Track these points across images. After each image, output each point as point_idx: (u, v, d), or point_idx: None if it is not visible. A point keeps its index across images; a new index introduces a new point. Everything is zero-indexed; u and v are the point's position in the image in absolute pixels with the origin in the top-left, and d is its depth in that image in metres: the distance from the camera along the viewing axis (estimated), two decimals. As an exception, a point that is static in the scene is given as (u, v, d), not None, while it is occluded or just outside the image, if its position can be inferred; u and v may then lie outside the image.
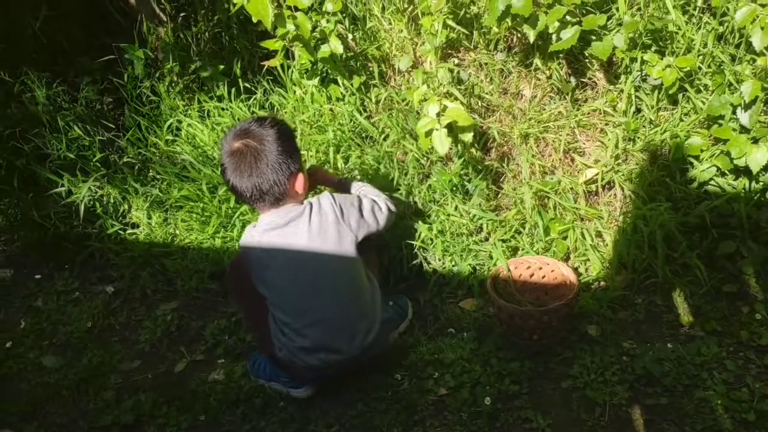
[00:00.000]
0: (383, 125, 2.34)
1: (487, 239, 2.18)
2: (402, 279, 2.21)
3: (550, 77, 2.22)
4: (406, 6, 2.38)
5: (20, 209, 2.72)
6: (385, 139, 2.33)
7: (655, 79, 2.06)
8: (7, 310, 2.54)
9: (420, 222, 2.17)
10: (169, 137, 2.70)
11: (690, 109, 2.10)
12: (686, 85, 2.07)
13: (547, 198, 2.14)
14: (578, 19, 2.01)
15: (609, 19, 2.10)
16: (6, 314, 2.52)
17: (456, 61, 2.31)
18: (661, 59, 2.03)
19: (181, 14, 2.93)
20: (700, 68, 2.08)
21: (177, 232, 2.50)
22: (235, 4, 2.18)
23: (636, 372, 1.77)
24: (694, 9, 2.12)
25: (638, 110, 2.16)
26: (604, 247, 2.08)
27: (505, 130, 2.23)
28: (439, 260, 2.17)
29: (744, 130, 1.92)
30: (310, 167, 2.08)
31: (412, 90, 2.10)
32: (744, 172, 1.96)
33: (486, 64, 2.29)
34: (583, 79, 2.23)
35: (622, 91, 2.15)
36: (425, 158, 2.28)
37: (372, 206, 1.84)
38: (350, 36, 2.47)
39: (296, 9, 2.21)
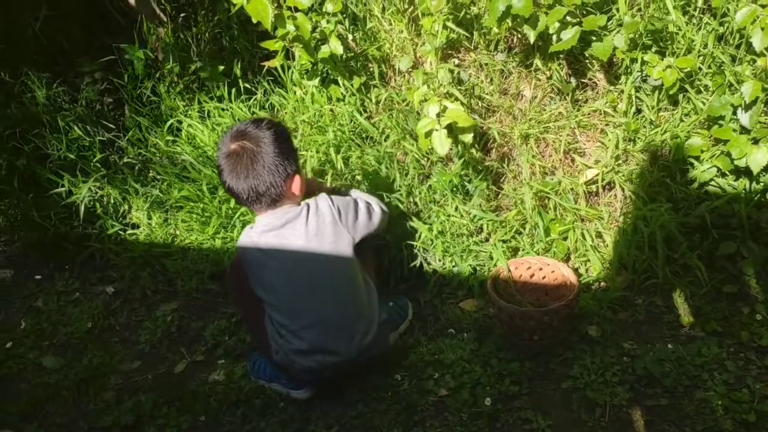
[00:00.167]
0: (383, 126, 2.34)
1: (487, 240, 2.18)
2: (402, 280, 2.21)
3: (550, 78, 2.22)
4: (406, 6, 2.38)
5: (20, 210, 2.72)
6: (385, 140, 2.33)
7: (656, 80, 2.05)
8: (8, 310, 2.54)
9: (420, 222, 2.17)
10: (170, 138, 2.70)
11: (690, 110, 2.10)
12: (686, 86, 2.07)
13: (548, 198, 2.14)
14: (578, 19, 2.01)
15: (609, 19, 2.10)
16: (6, 315, 2.52)
17: (456, 61, 2.31)
18: (662, 60, 2.03)
19: (182, 15, 2.93)
20: (700, 69, 2.08)
21: (177, 232, 2.50)
22: (234, 5, 2.18)
23: (636, 373, 1.77)
24: (695, 10, 2.12)
25: (638, 111, 2.16)
26: (604, 248, 2.08)
27: (505, 131, 2.23)
28: (440, 261, 2.17)
29: (744, 130, 1.92)
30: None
31: (413, 90, 2.10)
32: (744, 172, 1.96)
33: (486, 64, 2.28)
34: (583, 80, 2.23)
35: (622, 91, 2.15)
36: (425, 159, 2.28)
37: (367, 208, 1.84)
38: (350, 36, 2.47)
39: (296, 9, 2.21)
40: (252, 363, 1.97)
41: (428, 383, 1.85)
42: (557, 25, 2.01)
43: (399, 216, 2.19)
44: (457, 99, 2.10)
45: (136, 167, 2.71)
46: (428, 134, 1.96)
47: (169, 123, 2.72)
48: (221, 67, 2.81)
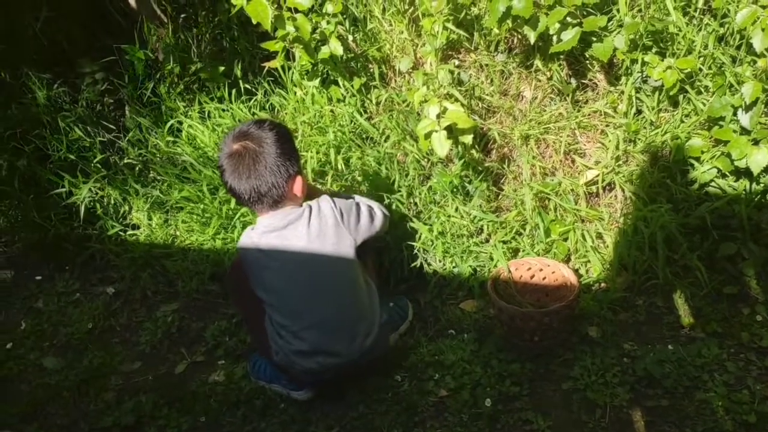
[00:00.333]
0: (384, 126, 2.34)
1: (487, 241, 2.18)
2: (402, 280, 2.21)
3: (550, 78, 2.22)
4: (406, 7, 2.38)
5: (21, 210, 2.72)
6: (385, 141, 2.33)
7: (656, 81, 2.05)
8: (8, 311, 2.54)
9: (420, 223, 2.17)
10: (170, 138, 2.70)
11: (691, 111, 2.10)
12: (687, 87, 2.07)
13: (548, 199, 2.14)
14: (579, 20, 2.01)
15: (610, 20, 2.10)
16: (6, 315, 2.52)
17: (456, 62, 2.31)
18: (662, 61, 2.03)
19: (182, 15, 2.93)
20: (700, 70, 2.08)
21: (177, 233, 2.50)
22: (235, 6, 2.18)
23: (637, 373, 1.77)
24: (695, 10, 2.11)
25: (639, 112, 2.16)
26: (604, 249, 2.08)
27: (505, 132, 2.23)
28: (440, 261, 2.17)
29: (745, 131, 1.92)
30: None
31: (413, 91, 2.10)
32: (745, 173, 1.96)
33: (486, 65, 2.28)
34: (583, 81, 2.23)
35: (622, 92, 2.15)
36: (426, 160, 2.28)
37: (369, 211, 1.85)
38: (351, 37, 2.47)
39: (296, 11, 2.21)
40: (252, 364, 1.97)
41: (428, 384, 1.85)
42: (557, 25, 2.01)
43: (399, 217, 2.19)
44: (457, 100, 2.10)
45: (137, 168, 2.71)
46: (428, 135, 1.96)
47: (169, 124, 2.72)
48: (222, 68, 2.81)
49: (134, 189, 2.61)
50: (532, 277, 2.02)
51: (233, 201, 2.38)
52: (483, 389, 1.79)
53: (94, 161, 2.68)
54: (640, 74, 2.10)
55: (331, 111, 2.42)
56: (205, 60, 2.86)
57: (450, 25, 2.15)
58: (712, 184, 2.02)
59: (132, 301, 2.45)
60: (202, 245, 2.42)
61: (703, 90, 2.09)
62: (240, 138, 1.70)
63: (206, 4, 2.95)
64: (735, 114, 1.93)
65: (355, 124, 2.39)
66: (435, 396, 1.81)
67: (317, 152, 2.32)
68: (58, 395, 2.05)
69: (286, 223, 1.73)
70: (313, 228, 1.73)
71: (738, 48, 2.04)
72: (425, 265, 2.18)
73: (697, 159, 2.04)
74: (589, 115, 2.20)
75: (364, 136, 2.39)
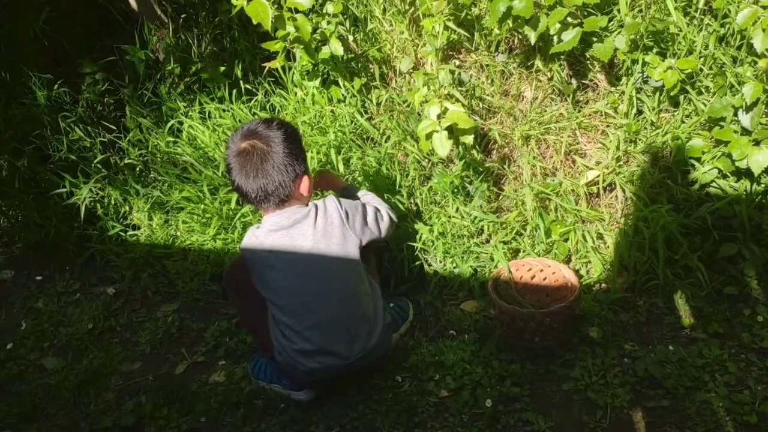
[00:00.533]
0: (384, 127, 2.34)
1: (488, 241, 2.18)
2: (403, 281, 2.21)
3: (551, 79, 2.22)
4: (407, 8, 2.38)
5: (21, 211, 2.72)
6: (386, 141, 2.33)
7: (657, 81, 2.05)
8: (8, 311, 2.54)
9: (421, 224, 2.17)
10: (170, 139, 2.70)
11: (691, 111, 2.10)
12: (687, 87, 2.07)
13: (549, 200, 2.14)
14: (579, 20, 2.01)
15: (610, 20, 2.10)
16: (7, 316, 2.52)
17: (457, 62, 2.31)
18: (663, 61, 2.03)
19: (182, 16, 2.93)
20: (701, 70, 2.07)
21: (178, 233, 2.50)
22: (235, 6, 2.18)
23: (637, 374, 1.77)
24: (696, 11, 2.11)
25: (639, 112, 2.16)
26: (605, 249, 2.08)
27: (506, 132, 2.23)
28: (440, 262, 2.17)
29: (745, 132, 1.92)
30: (319, 170, 2.08)
31: (413, 91, 2.10)
32: (745, 174, 1.95)
33: (487, 65, 2.28)
34: (584, 81, 2.23)
35: (623, 92, 2.15)
36: (426, 160, 2.28)
37: (375, 214, 1.85)
38: (351, 37, 2.47)
39: (296, 11, 2.21)
40: (252, 364, 1.97)
41: (429, 384, 1.84)
42: (558, 26, 2.01)
43: (400, 217, 2.19)
44: (457, 100, 2.10)
45: (137, 168, 2.71)
46: (429, 136, 1.96)
47: (169, 124, 2.72)
48: (222, 68, 2.82)
49: (135, 189, 2.61)
50: (532, 277, 2.02)
51: (234, 201, 2.38)
52: (483, 390, 1.79)
53: (95, 161, 2.68)
54: (640, 74, 2.10)
55: (332, 111, 2.42)
56: (205, 60, 2.86)
57: (451, 25, 2.15)
58: (713, 184, 2.02)
59: (132, 301, 2.45)
60: (203, 246, 2.42)
61: (703, 90, 2.09)
62: (248, 136, 1.70)
63: (207, 4, 2.95)
64: (736, 114, 1.93)
65: (355, 124, 2.39)
66: (435, 396, 1.81)
67: (318, 152, 2.32)
68: (58, 395, 2.04)
69: (292, 222, 1.73)
70: (318, 228, 1.73)
71: (739, 48, 2.04)
72: (426, 266, 2.18)
73: (698, 159, 2.04)
74: (589, 115, 2.20)
75: (364, 136, 2.39)
